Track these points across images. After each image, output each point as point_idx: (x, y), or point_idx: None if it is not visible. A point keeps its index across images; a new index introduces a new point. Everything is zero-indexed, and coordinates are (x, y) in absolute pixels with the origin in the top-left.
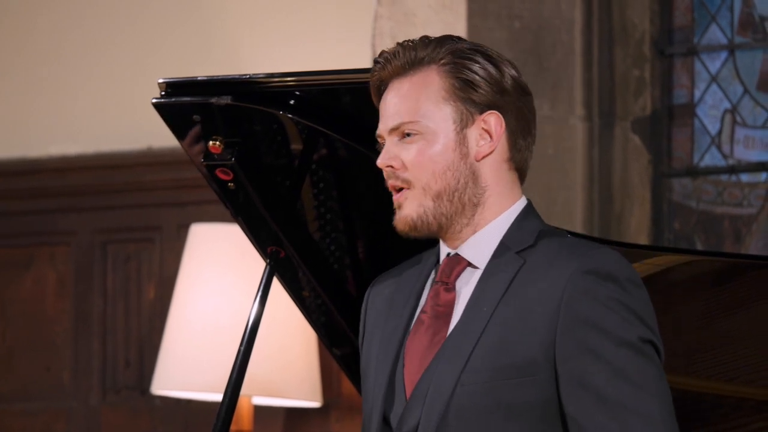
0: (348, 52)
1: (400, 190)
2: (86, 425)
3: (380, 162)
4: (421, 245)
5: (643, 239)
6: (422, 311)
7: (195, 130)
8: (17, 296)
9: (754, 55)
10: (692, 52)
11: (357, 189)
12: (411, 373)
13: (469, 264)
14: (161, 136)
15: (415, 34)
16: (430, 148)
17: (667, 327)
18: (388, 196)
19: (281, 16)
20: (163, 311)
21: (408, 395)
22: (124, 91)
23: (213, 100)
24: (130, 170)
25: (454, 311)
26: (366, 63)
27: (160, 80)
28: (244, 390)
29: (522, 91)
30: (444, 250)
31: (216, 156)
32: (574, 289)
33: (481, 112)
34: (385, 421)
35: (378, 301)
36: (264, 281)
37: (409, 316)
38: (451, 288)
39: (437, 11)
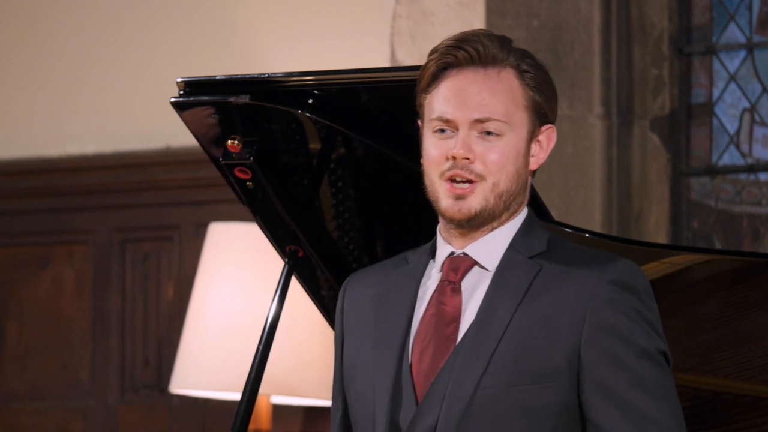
0: (366, 51)
1: (466, 182)
2: (104, 424)
3: (458, 152)
4: None
5: (661, 238)
6: (427, 311)
7: (213, 129)
8: (35, 295)
9: None
10: (711, 50)
11: (375, 188)
12: (421, 374)
13: (476, 264)
14: (179, 135)
15: (434, 33)
16: (508, 151)
17: (685, 326)
18: (406, 195)
19: (298, 15)
20: (182, 310)
21: (419, 397)
22: (142, 90)
23: (231, 99)
24: (148, 169)
25: (464, 312)
26: (384, 62)
27: (179, 79)
28: (263, 389)
29: None
30: (445, 248)
31: (234, 155)
32: (600, 298)
33: (542, 125)
34: (392, 422)
35: (361, 300)
36: (282, 280)
37: (408, 318)
38: (457, 288)
39: (456, 9)
